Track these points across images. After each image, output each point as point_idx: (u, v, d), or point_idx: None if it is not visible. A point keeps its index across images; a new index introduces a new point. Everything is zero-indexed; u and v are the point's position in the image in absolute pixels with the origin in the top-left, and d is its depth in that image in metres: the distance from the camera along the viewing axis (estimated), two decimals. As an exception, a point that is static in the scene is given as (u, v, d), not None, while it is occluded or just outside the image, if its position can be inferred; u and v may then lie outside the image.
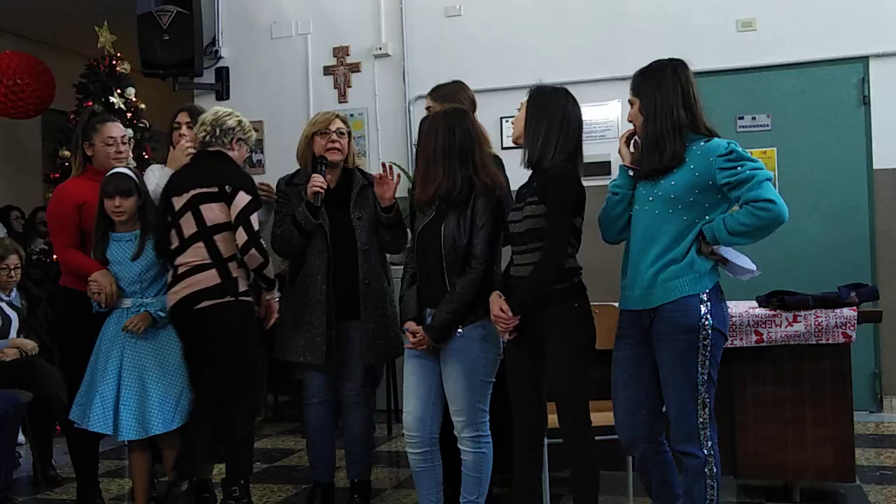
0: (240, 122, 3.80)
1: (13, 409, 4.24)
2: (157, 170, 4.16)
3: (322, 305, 3.75)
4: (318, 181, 3.72)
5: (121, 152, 3.99)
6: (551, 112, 3.13)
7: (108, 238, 3.78)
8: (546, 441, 3.30)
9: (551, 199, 3.07)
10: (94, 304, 3.78)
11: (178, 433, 3.73)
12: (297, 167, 3.99)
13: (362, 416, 3.92)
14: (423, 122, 3.39)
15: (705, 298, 2.88)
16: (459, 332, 3.22)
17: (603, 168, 5.65)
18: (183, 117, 4.28)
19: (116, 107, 6.21)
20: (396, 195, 3.77)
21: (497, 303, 3.14)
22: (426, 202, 3.28)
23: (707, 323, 2.86)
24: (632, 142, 3.08)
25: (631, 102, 3.05)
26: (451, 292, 3.22)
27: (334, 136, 3.84)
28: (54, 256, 6.08)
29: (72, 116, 6.42)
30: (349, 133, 3.95)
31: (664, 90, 2.94)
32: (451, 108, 3.42)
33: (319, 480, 3.95)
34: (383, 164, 3.74)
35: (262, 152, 6.50)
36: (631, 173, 3.03)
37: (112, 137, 3.98)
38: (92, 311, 3.79)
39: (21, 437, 4.82)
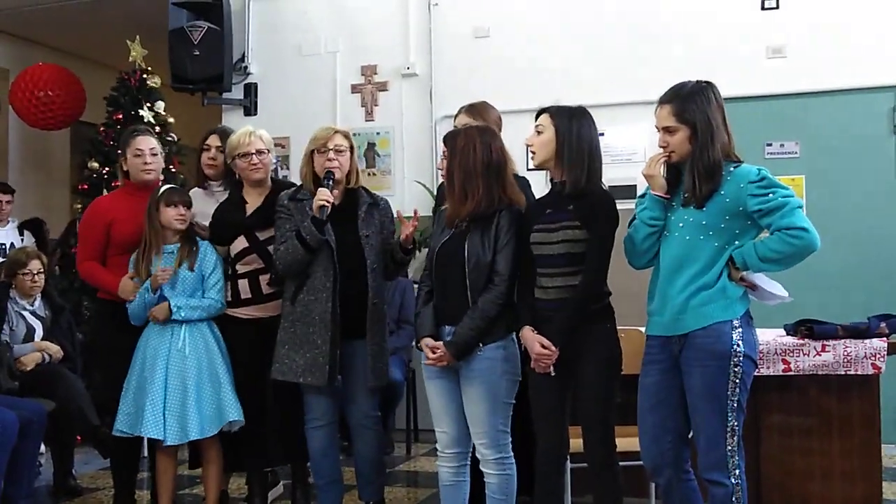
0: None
1: (37, 418, 4.25)
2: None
3: (327, 324, 3.64)
4: (323, 195, 3.64)
5: (147, 163, 4.03)
6: (587, 135, 3.12)
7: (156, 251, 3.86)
8: (568, 465, 3.27)
9: (598, 225, 3.06)
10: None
11: (221, 448, 3.92)
12: None
13: (372, 440, 3.82)
14: (451, 136, 3.32)
15: (737, 325, 2.85)
16: (479, 351, 3.20)
17: (629, 192, 5.61)
18: (214, 140, 4.29)
19: (146, 120, 6.26)
20: (420, 214, 3.76)
21: (535, 339, 3.11)
22: (464, 217, 3.24)
23: (739, 349, 2.83)
24: (662, 167, 2.99)
25: (671, 129, 2.92)
26: (472, 309, 3.19)
27: (331, 154, 3.72)
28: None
29: (101, 129, 6.49)
30: (351, 149, 3.81)
31: (713, 114, 2.88)
32: (484, 126, 3.41)
33: None
34: (415, 212, 3.70)
35: (287, 168, 6.51)
36: (674, 203, 2.96)
37: (140, 149, 4.03)
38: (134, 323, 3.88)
39: (42, 447, 4.83)
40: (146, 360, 3.81)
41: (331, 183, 3.69)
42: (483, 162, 3.21)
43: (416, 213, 3.69)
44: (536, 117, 3.23)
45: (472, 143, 3.22)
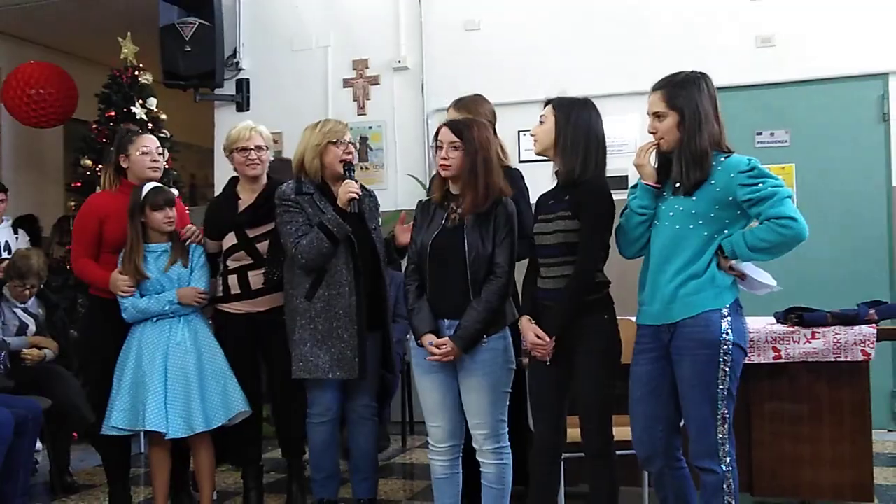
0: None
1: (32, 416, 4.26)
2: None
3: (353, 318, 3.66)
4: (353, 187, 3.67)
5: (156, 161, 4.07)
6: (585, 125, 3.12)
7: (142, 251, 3.88)
8: (562, 455, 3.30)
9: (588, 215, 3.07)
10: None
11: (212, 443, 3.93)
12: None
13: (370, 432, 3.88)
14: (463, 125, 3.27)
15: (726, 313, 2.87)
16: (484, 342, 3.22)
17: (621, 182, 5.62)
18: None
19: (138, 117, 6.26)
20: (406, 208, 3.79)
21: (531, 329, 3.14)
22: (467, 211, 3.23)
23: (728, 338, 2.85)
24: (651, 156, 3.02)
25: (660, 115, 2.95)
26: (477, 301, 3.20)
27: (351, 147, 3.79)
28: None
29: (94, 126, 6.49)
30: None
31: (703, 103, 2.91)
32: (472, 119, 3.42)
33: (324, 497, 3.88)
34: (404, 215, 3.74)
35: (280, 163, 6.52)
36: (665, 192, 2.99)
37: (147, 147, 4.06)
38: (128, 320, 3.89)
39: (38, 444, 4.84)
40: (143, 356, 3.82)
41: (353, 174, 3.73)
42: (496, 156, 3.28)
43: (403, 215, 3.71)
44: (544, 108, 3.26)
45: (487, 138, 3.25)
